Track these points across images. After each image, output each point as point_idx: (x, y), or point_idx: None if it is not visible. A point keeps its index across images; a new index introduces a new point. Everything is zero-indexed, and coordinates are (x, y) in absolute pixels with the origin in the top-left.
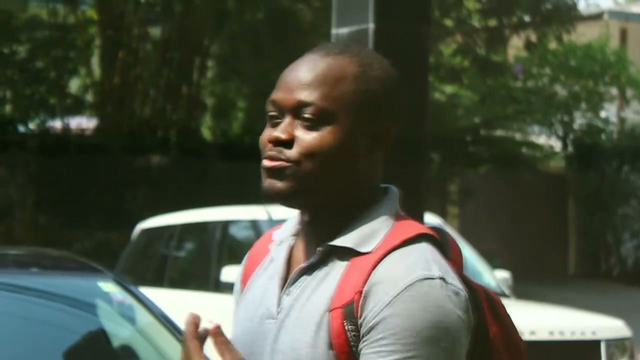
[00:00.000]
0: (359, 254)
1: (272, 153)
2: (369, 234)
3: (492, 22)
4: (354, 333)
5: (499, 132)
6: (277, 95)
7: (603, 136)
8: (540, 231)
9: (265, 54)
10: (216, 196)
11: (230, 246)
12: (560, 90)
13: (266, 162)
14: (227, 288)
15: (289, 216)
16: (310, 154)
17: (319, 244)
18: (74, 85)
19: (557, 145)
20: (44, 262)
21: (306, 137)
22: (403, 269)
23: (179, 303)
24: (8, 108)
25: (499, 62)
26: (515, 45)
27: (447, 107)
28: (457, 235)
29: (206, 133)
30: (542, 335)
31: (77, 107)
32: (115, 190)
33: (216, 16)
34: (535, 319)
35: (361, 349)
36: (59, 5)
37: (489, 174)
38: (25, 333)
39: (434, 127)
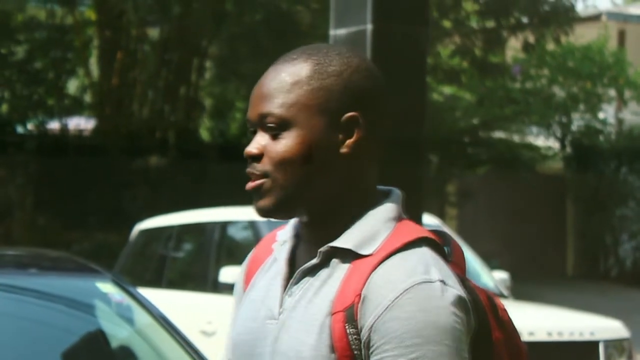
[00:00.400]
0: (360, 256)
1: (249, 169)
2: (369, 236)
3: (490, 24)
4: (355, 336)
5: (498, 134)
6: (248, 111)
7: (601, 137)
8: (538, 232)
9: (263, 55)
10: (214, 197)
11: (228, 247)
12: (559, 92)
13: (248, 184)
14: (226, 289)
15: None
16: (279, 163)
17: (320, 245)
18: (72, 86)
19: (555, 146)
20: (43, 263)
21: (274, 147)
22: (402, 273)
23: (177, 304)
24: (6, 109)
25: (497, 63)
26: (514, 47)
27: (446, 108)
28: (456, 236)
29: (204, 134)
30: (541, 336)
31: (75, 108)
32: (113, 191)
33: (214, 17)
34: (533, 320)
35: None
36: (57, 6)
37: (487, 175)
38: (24, 334)
39: (432, 128)
